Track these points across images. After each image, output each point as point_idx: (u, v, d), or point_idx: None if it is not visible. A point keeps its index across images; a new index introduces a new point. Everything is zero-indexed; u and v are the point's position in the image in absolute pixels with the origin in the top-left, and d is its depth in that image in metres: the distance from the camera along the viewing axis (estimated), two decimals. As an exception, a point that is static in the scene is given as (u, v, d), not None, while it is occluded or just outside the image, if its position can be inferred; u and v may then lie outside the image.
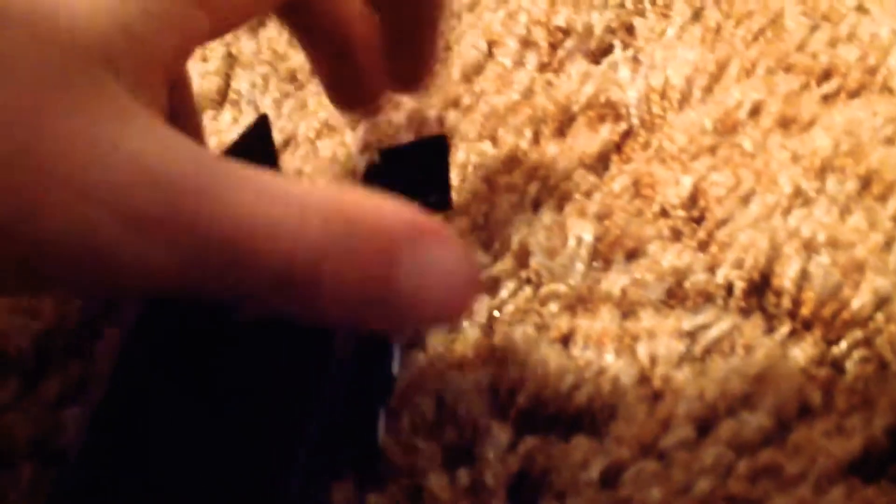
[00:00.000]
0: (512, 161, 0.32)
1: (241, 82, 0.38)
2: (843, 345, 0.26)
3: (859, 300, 0.26)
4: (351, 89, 0.30)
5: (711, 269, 0.28)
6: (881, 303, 0.26)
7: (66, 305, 0.28)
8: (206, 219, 0.18)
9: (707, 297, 0.28)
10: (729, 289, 0.28)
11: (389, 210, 0.20)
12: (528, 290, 0.28)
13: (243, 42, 0.40)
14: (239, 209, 0.18)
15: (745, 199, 0.30)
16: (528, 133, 0.33)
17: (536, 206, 0.31)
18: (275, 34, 0.40)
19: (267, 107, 0.37)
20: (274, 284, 0.19)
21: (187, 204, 0.18)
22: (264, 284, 0.19)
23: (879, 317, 0.26)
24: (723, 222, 0.30)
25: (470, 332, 0.27)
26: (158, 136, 0.18)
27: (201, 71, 0.38)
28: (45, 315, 0.27)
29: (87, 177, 0.17)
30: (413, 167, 0.29)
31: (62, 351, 0.27)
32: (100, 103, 0.18)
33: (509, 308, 0.28)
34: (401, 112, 0.34)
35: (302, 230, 0.19)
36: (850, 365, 0.25)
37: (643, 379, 0.25)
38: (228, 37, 0.40)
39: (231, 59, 0.39)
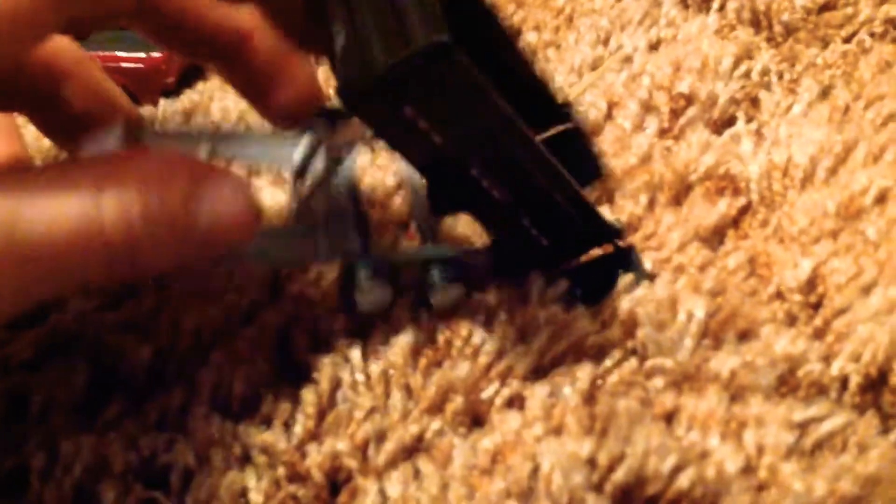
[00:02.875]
0: (627, 227, 0.32)
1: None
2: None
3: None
4: (266, 98, 0.31)
5: (826, 360, 0.27)
6: None
7: (179, 325, 0.28)
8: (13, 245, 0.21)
9: (820, 389, 0.27)
10: (844, 382, 0.27)
11: (173, 166, 0.23)
12: (633, 362, 0.27)
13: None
14: (36, 225, 0.21)
15: (866, 290, 0.29)
16: (644, 199, 0.33)
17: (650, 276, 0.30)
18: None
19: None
20: (93, 279, 0.23)
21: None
22: (83, 282, 0.23)
23: None
24: (841, 311, 0.29)
25: (571, 398, 0.26)
26: None
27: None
28: (159, 336, 0.28)
29: None
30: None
31: (171, 374, 0.27)
32: None
33: (613, 378, 0.27)
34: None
35: (100, 221, 0.22)
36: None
37: (748, 468, 0.24)
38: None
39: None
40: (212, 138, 0.29)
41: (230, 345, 0.28)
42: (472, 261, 0.29)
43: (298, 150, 0.30)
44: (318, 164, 0.29)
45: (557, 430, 0.26)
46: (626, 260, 0.30)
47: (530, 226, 0.28)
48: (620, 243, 0.30)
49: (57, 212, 0.21)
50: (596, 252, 0.30)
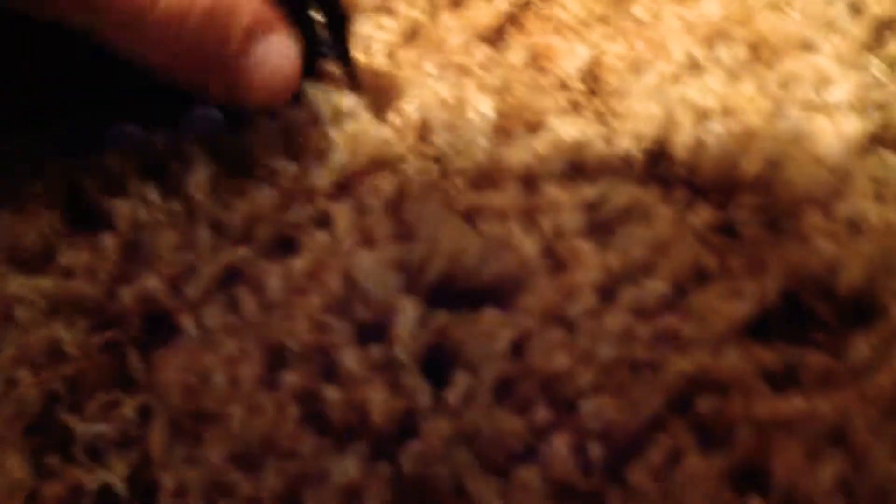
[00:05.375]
0: (412, 34, 0.32)
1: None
2: (737, 210, 0.27)
3: (751, 166, 0.27)
4: None
5: (610, 140, 0.29)
6: (772, 168, 0.27)
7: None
8: None
9: (607, 168, 0.28)
10: (628, 159, 0.29)
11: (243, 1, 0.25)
12: (432, 166, 0.28)
13: None
14: None
15: (640, 69, 0.31)
16: (423, 3, 0.33)
17: (436, 80, 0.30)
18: None
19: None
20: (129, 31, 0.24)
21: None
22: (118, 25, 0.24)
23: (770, 182, 0.27)
24: (619, 93, 0.30)
25: (377, 209, 0.27)
26: None
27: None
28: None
29: None
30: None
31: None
32: None
33: (415, 185, 0.28)
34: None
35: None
36: (743, 229, 0.26)
37: (548, 251, 0.26)
38: None
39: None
40: None
41: (17, 203, 0.27)
42: None
43: None
44: None
45: (367, 242, 0.26)
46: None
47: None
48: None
49: None
50: None
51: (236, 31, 0.24)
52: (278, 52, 0.26)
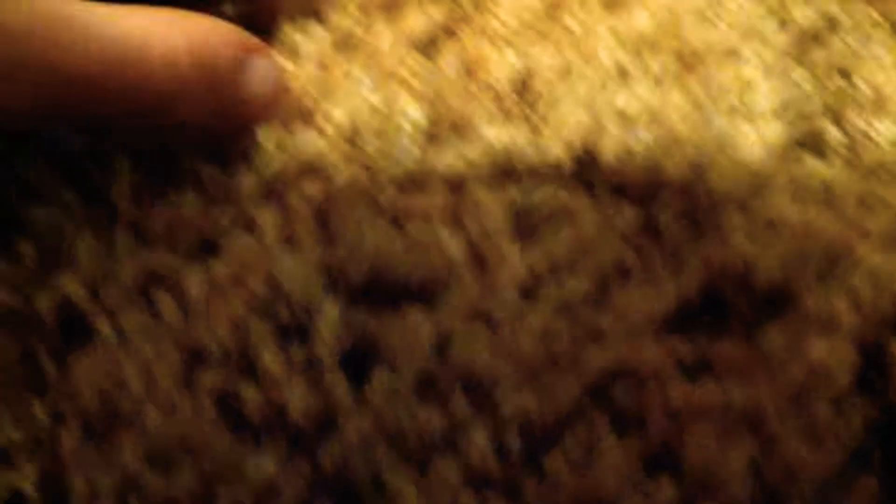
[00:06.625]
0: (343, 43, 0.32)
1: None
2: (661, 213, 0.27)
3: (677, 172, 0.28)
4: None
5: (540, 147, 0.29)
6: (697, 174, 0.28)
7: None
8: (57, 62, 0.21)
9: (537, 174, 0.29)
10: (558, 166, 0.29)
11: (224, 31, 0.25)
12: (361, 172, 0.28)
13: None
14: (85, 52, 0.21)
15: (573, 80, 0.31)
16: (356, 12, 0.33)
17: (368, 88, 0.30)
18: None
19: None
20: (130, 113, 0.23)
21: (34, 51, 0.21)
22: (122, 114, 0.23)
23: (696, 186, 0.27)
24: (550, 101, 0.30)
25: (302, 213, 0.27)
26: None
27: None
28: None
29: None
30: None
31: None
32: None
33: (343, 192, 0.28)
34: None
35: (148, 64, 0.23)
36: (665, 229, 0.26)
37: (474, 251, 0.26)
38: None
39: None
40: None
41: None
42: None
43: None
44: None
45: (291, 245, 0.26)
46: None
47: None
48: None
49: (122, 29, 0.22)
50: None
51: (221, 69, 0.25)
52: (265, 70, 0.27)
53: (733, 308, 0.24)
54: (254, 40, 0.27)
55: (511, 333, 0.23)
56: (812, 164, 0.28)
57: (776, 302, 0.24)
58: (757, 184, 0.27)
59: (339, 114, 0.29)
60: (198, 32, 0.24)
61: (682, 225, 0.26)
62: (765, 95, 0.30)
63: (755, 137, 0.28)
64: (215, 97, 0.25)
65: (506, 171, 0.29)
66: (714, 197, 0.26)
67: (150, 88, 0.23)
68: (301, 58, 0.30)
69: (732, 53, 0.31)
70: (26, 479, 0.23)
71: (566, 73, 0.31)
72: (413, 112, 0.29)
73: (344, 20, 0.32)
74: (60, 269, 0.25)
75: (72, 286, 0.25)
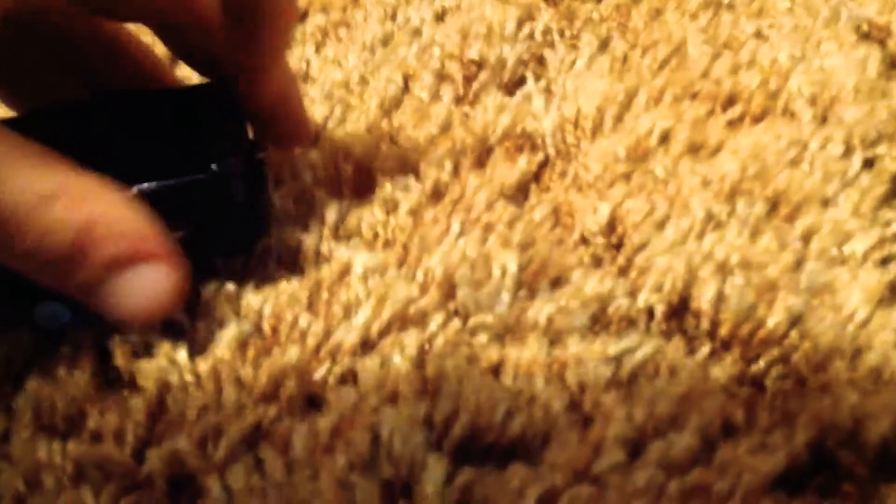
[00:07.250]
0: (435, 194, 0.33)
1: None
2: (762, 363, 0.27)
3: (774, 319, 0.28)
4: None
5: (632, 294, 0.29)
6: (795, 321, 0.28)
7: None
8: None
9: (630, 322, 0.29)
10: (650, 313, 0.29)
11: (128, 227, 0.24)
12: (456, 322, 0.28)
13: None
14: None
15: (661, 225, 0.31)
16: (449, 165, 0.34)
17: (460, 237, 0.31)
18: None
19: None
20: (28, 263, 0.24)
21: None
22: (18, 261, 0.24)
23: (794, 334, 0.27)
24: (640, 247, 0.31)
25: (401, 365, 0.27)
26: None
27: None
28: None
29: None
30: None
31: None
32: None
33: (439, 341, 0.28)
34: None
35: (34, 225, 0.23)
36: (769, 382, 0.26)
37: (573, 405, 0.26)
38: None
39: None
40: None
41: (46, 367, 0.27)
42: None
43: None
44: None
45: (392, 399, 0.26)
46: None
47: None
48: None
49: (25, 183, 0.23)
50: None
51: (95, 261, 0.24)
52: (147, 281, 0.25)
53: (844, 465, 0.24)
54: (158, 248, 0.25)
55: (617, 492, 0.23)
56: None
57: (890, 459, 0.23)
58: (858, 331, 0.27)
59: (433, 264, 0.30)
60: (100, 215, 0.24)
61: (784, 377, 0.26)
62: (858, 239, 0.30)
63: (852, 283, 0.28)
64: (73, 284, 0.24)
65: (599, 319, 0.29)
66: (817, 346, 0.26)
67: (17, 247, 0.23)
68: (397, 210, 0.31)
69: (822, 197, 0.31)
70: None
71: (655, 218, 0.31)
72: (506, 260, 0.30)
73: (437, 172, 0.33)
74: (170, 424, 0.26)
75: (182, 442, 0.25)
